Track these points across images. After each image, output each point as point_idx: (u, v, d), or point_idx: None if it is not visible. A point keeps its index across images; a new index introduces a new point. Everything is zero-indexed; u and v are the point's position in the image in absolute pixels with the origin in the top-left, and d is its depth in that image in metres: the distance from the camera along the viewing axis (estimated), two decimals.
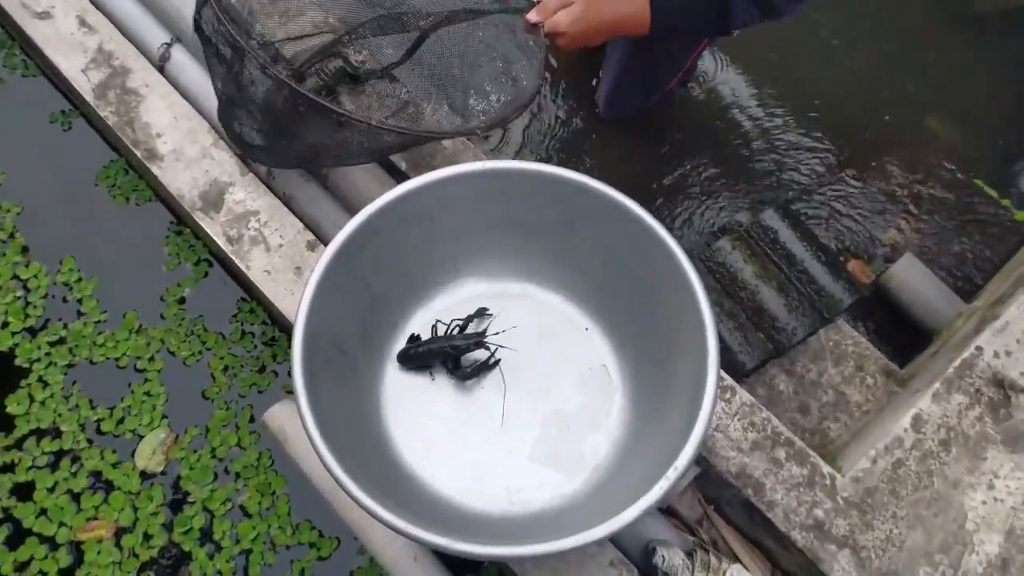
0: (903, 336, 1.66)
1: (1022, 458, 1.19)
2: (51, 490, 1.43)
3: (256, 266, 1.27)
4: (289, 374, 1.54)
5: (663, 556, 1.14)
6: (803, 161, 1.92)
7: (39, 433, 1.47)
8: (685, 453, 0.94)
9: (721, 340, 1.01)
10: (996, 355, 1.26)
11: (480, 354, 1.18)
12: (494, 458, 1.15)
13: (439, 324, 1.21)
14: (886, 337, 1.67)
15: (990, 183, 1.87)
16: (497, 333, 1.19)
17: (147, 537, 1.39)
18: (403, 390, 1.18)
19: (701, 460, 1.20)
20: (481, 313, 1.23)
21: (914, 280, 1.65)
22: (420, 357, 1.18)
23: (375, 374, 1.18)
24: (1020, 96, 2.03)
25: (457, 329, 1.20)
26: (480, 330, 1.20)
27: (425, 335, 1.21)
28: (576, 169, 1.12)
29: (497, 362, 1.18)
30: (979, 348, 1.27)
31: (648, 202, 1.10)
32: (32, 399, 1.50)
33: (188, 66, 1.41)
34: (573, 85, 1.99)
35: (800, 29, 2.11)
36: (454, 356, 1.17)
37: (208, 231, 1.28)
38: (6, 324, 1.56)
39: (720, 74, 2.03)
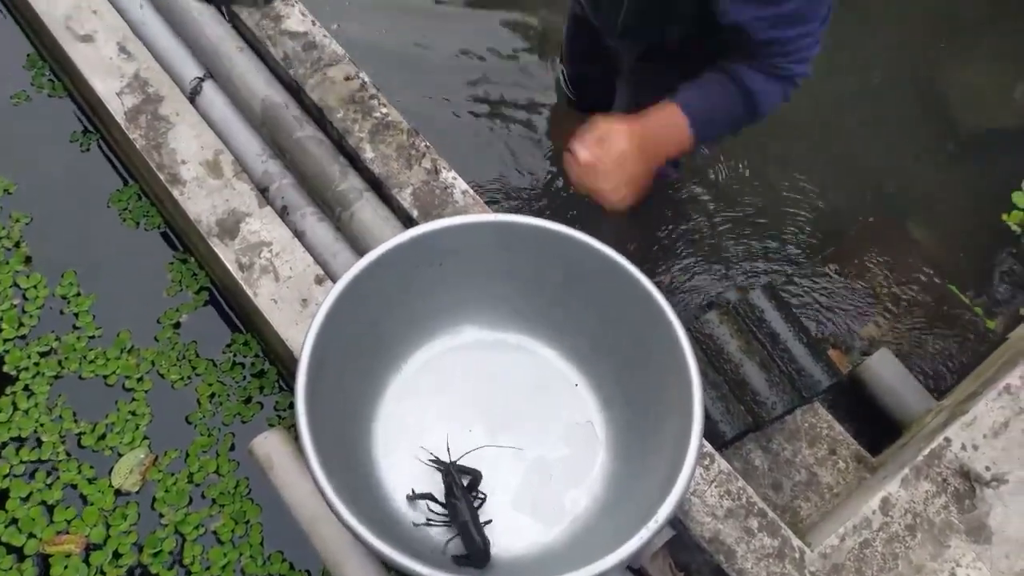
0: (876, 426, 1.71)
1: (983, 549, 1.23)
2: (25, 500, 1.42)
3: (264, 294, 1.31)
4: (275, 407, 1.58)
5: None
6: (789, 251, 2.02)
7: (19, 441, 1.48)
8: (665, 507, 0.97)
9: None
10: (964, 447, 1.31)
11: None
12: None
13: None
14: (859, 425, 1.72)
15: (964, 291, 1.96)
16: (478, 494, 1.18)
17: (116, 555, 1.39)
18: (395, 426, 1.21)
19: (676, 523, 1.22)
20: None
21: (888, 374, 1.71)
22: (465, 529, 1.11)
23: (371, 407, 1.21)
24: (996, 211, 2.14)
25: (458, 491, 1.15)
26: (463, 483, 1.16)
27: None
28: None
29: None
30: (948, 439, 1.32)
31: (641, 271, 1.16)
32: (16, 407, 1.51)
33: (218, 100, 1.48)
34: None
35: (792, 126, 2.23)
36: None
37: (221, 256, 1.32)
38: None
39: (716, 164, 2.14)
